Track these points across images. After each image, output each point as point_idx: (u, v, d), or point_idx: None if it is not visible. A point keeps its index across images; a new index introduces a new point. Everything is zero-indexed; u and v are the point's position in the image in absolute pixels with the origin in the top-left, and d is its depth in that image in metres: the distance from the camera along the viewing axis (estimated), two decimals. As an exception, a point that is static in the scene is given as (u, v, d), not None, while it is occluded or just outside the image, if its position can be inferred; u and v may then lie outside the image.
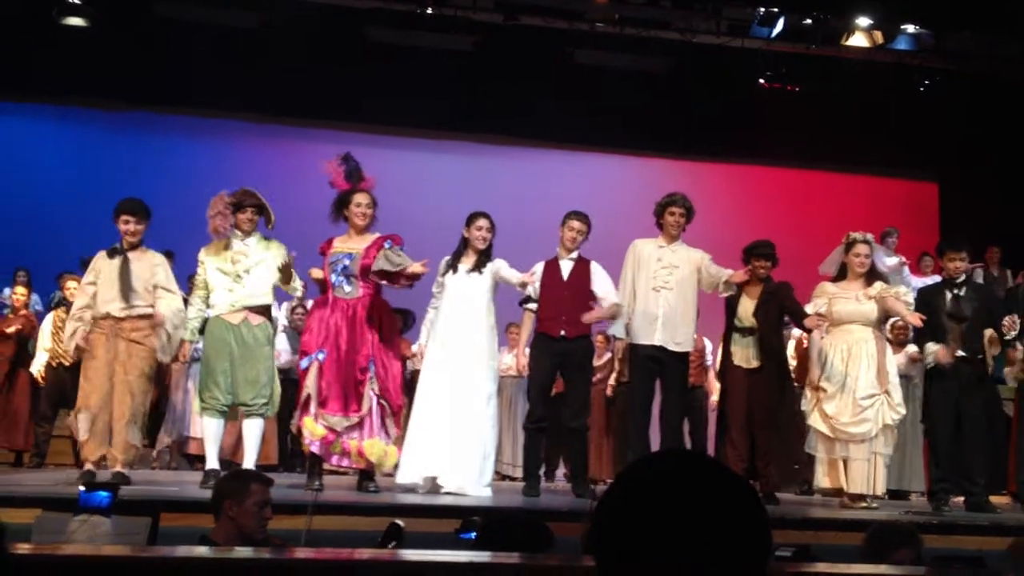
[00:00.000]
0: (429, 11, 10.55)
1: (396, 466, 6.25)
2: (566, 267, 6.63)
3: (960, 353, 6.56)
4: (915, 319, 6.39)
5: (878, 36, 10.55)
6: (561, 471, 9.06)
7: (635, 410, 6.75)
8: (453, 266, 6.53)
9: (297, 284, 6.37)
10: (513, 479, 8.96)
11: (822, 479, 6.47)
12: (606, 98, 11.45)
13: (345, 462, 6.19)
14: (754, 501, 1.20)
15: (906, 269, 9.73)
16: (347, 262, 6.19)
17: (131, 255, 6.16)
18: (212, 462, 6.17)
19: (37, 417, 8.53)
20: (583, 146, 12.08)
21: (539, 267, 6.66)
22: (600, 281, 6.56)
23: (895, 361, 6.77)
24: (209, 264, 6.26)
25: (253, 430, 6.18)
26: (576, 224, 6.64)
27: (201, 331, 6.36)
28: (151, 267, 6.16)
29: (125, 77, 10.88)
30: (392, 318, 6.41)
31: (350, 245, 6.24)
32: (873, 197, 12.17)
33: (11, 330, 8.63)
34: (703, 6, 10.71)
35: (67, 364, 8.44)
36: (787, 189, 12.40)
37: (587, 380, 6.85)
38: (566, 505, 5.93)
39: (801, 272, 7.26)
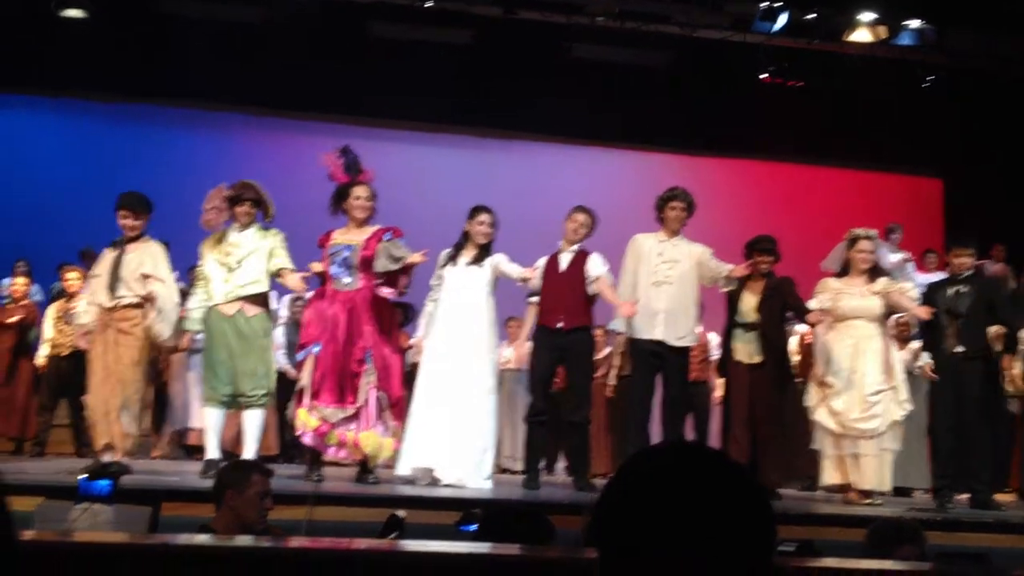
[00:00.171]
0: (428, 4, 10.51)
1: (394, 458, 6.25)
2: (565, 259, 6.63)
3: (959, 349, 6.55)
4: (924, 312, 6.39)
5: (881, 31, 10.51)
6: (561, 464, 9.05)
7: (634, 404, 6.74)
8: (453, 259, 6.53)
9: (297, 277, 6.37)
10: (513, 472, 8.95)
11: (829, 475, 6.45)
12: (606, 93, 11.43)
13: (342, 453, 6.21)
14: (759, 495, 1.19)
15: (909, 265, 9.72)
16: (346, 253, 6.19)
17: (129, 247, 6.16)
18: (212, 452, 6.18)
19: (38, 406, 8.53)
20: (584, 141, 12.06)
21: (541, 262, 6.66)
22: (592, 264, 6.54)
23: (900, 357, 6.78)
24: (208, 256, 6.31)
25: (253, 421, 6.19)
26: (580, 217, 6.63)
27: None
28: (143, 257, 6.15)
29: (125, 70, 10.85)
30: (391, 310, 6.41)
31: (349, 237, 6.25)
32: (876, 193, 12.16)
33: (12, 320, 8.63)
34: (704, 0, 10.67)
35: (65, 354, 8.45)
36: (789, 185, 12.38)
37: (588, 374, 6.85)
38: (567, 498, 5.92)
39: (803, 268, 7.24)
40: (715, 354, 8.73)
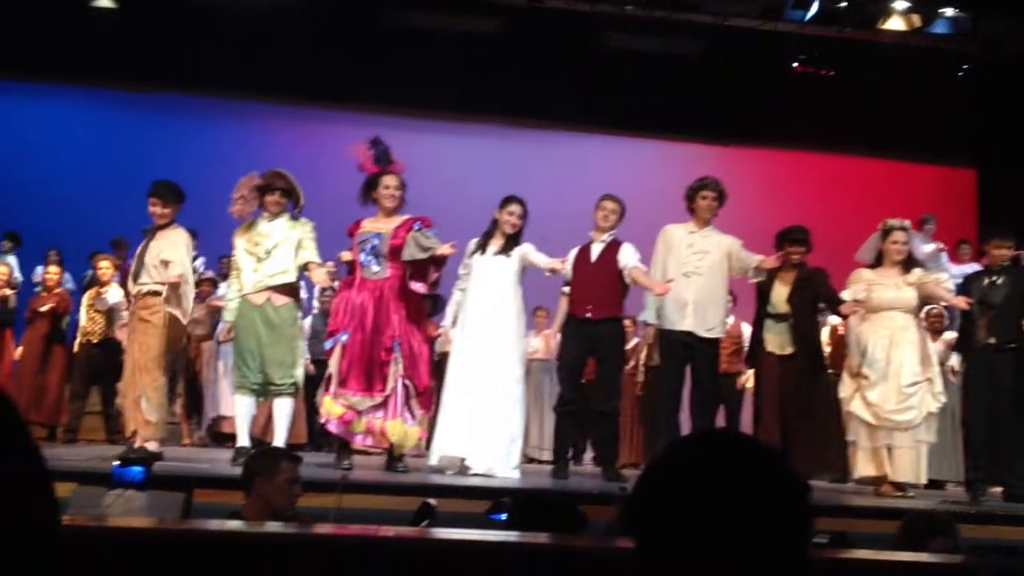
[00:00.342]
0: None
1: (419, 446, 6.27)
2: (596, 249, 6.60)
3: (991, 340, 6.48)
4: (961, 302, 6.33)
5: (915, 20, 10.38)
6: (589, 454, 9.04)
7: (664, 396, 6.71)
8: (481, 248, 6.52)
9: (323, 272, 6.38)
10: (540, 462, 8.95)
11: (863, 467, 6.40)
12: (637, 82, 11.37)
13: (369, 441, 6.23)
14: (797, 485, 1.17)
15: (943, 256, 9.61)
16: (376, 242, 6.20)
17: (158, 235, 6.21)
18: (243, 440, 6.21)
19: (70, 394, 8.63)
20: (614, 130, 12.00)
21: (572, 253, 6.64)
22: (624, 254, 6.51)
23: (935, 349, 6.72)
24: (238, 245, 6.34)
25: (283, 409, 6.22)
26: (608, 205, 6.60)
27: None
28: (165, 244, 6.19)
29: (156, 60, 10.93)
30: (419, 299, 6.41)
31: (379, 225, 6.25)
32: (909, 183, 12.01)
33: (45, 308, 8.73)
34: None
35: (96, 342, 8.55)
36: (820, 175, 12.26)
37: (618, 365, 6.82)
38: (595, 488, 5.90)
39: (834, 259, 7.18)
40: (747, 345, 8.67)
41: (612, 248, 6.57)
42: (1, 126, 11.49)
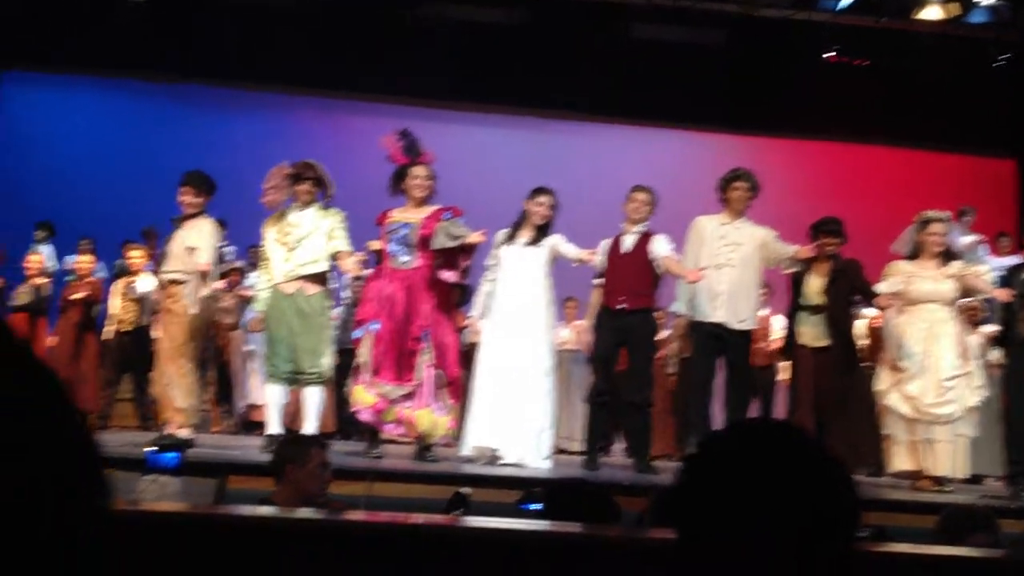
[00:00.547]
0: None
1: (448, 436, 6.27)
2: (629, 240, 6.56)
3: None
4: (1004, 295, 6.24)
5: (953, 9, 10.22)
6: (619, 446, 9.00)
7: (695, 387, 6.67)
8: (510, 239, 6.50)
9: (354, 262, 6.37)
10: (570, 453, 8.93)
11: (900, 461, 6.32)
12: (664, 73, 11.28)
13: (399, 431, 6.24)
14: (846, 477, 1.14)
15: (981, 248, 9.47)
16: (405, 231, 6.21)
17: (185, 224, 6.24)
18: (274, 428, 6.23)
19: (102, 381, 8.71)
20: (642, 122, 11.93)
21: (604, 244, 6.61)
22: (657, 245, 6.47)
23: (974, 342, 6.63)
24: (268, 235, 6.36)
25: (313, 398, 6.24)
26: (640, 196, 6.55)
27: None
28: (191, 232, 6.20)
29: (187, 51, 10.99)
30: (448, 290, 6.40)
31: (408, 215, 6.26)
32: (946, 175, 11.86)
33: (78, 296, 8.79)
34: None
35: (128, 330, 8.61)
36: (855, 166, 12.13)
37: (650, 356, 6.76)
38: (628, 479, 5.87)
39: (870, 251, 7.09)
40: (778, 336, 8.60)
41: (645, 239, 6.52)
42: (34, 117, 11.61)
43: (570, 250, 6.42)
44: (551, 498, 2.87)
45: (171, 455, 3.30)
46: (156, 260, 7.16)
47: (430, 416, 6.07)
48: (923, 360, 6.24)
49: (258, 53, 10.88)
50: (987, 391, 6.39)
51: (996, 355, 7.35)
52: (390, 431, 6.27)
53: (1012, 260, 7.76)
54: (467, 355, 7.04)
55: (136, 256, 8.61)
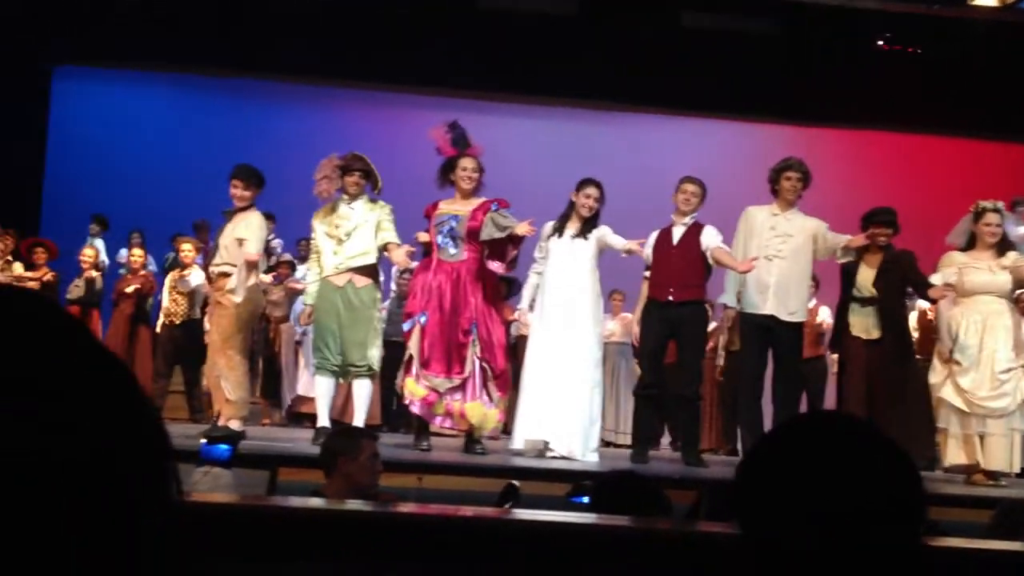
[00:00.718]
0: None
1: (497, 429, 6.28)
2: (678, 232, 6.51)
3: None
4: None
5: (1009, -6, 10.02)
6: (666, 439, 8.96)
7: (745, 380, 6.61)
8: (558, 231, 6.48)
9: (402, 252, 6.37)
10: (617, 446, 8.90)
11: (954, 455, 6.22)
12: (716, 62, 11.16)
13: (448, 423, 6.25)
14: (913, 470, 1.12)
15: (1037, 239, 9.27)
16: (453, 223, 6.21)
17: (235, 217, 6.29)
18: (323, 420, 6.27)
19: (153, 373, 8.83)
20: (693, 112, 11.84)
21: (652, 236, 6.57)
22: (707, 236, 6.41)
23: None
24: (318, 228, 6.38)
25: (362, 390, 6.27)
26: (689, 188, 6.50)
27: None
28: (239, 224, 6.24)
29: (237, 45, 11.05)
30: (496, 282, 6.41)
31: (456, 207, 6.26)
32: (1001, 164, 11.62)
33: (130, 289, 8.92)
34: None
35: (179, 323, 8.72)
36: (907, 156, 11.94)
37: (700, 348, 6.71)
38: (677, 472, 5.84)
39: (922, 242, 6.98)
40: (826, 328, 8.50)
41: (694, 231, 6.47)
42: (87, 113, 11.79)
43: (618, 241, 6.39)
44: (601, 491, 2.86)
45: (224, 447, 3.33)
46: (206, 253, 7.24)
47: (481, 409, 6.08)
48: (977, 353, 6.14)
49: (306, 47, 10.94)
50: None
51: None
52: (439, 423, 6.30)
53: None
54: (514, 348, 7.05)
55: (187, 249, 8.72)
